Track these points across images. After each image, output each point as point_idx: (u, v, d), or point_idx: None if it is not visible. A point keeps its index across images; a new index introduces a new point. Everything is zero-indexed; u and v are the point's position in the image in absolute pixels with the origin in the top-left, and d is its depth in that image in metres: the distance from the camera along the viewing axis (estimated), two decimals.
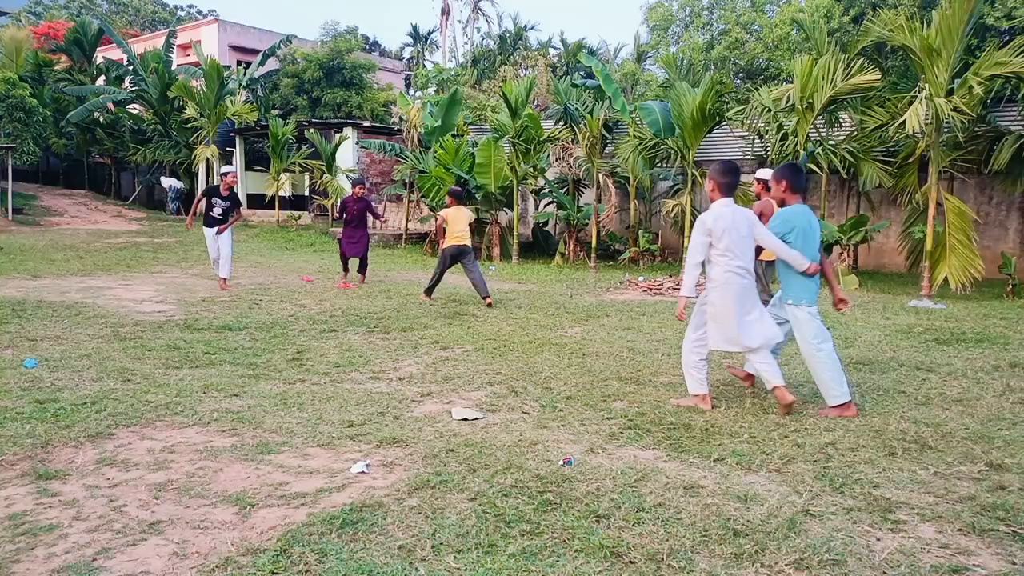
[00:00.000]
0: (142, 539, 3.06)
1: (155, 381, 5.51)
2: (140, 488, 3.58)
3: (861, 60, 12.19)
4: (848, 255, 13.49)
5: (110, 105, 25.96)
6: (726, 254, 5.00)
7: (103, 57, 28.71)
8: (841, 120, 14.08)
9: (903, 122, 10.81)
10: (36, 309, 8.30)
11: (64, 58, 28.78)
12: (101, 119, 26.54)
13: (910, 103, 11.02)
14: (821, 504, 3.50)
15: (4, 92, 22.29)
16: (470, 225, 10.08)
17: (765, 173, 7.71)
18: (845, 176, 14.25)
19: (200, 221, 11.17)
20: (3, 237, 16.56)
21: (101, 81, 27.53)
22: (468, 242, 9.92)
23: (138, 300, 9.41)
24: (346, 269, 11.59)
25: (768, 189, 7.87)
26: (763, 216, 7.18)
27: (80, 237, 17.76)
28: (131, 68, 25.26)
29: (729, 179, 5.13)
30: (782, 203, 5.47)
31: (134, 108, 26.91)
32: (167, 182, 25.30)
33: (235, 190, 10.92)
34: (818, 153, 12.84)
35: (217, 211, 10.58)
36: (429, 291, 10.17)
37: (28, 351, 6.32)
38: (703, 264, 5.14)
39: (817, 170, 13.15)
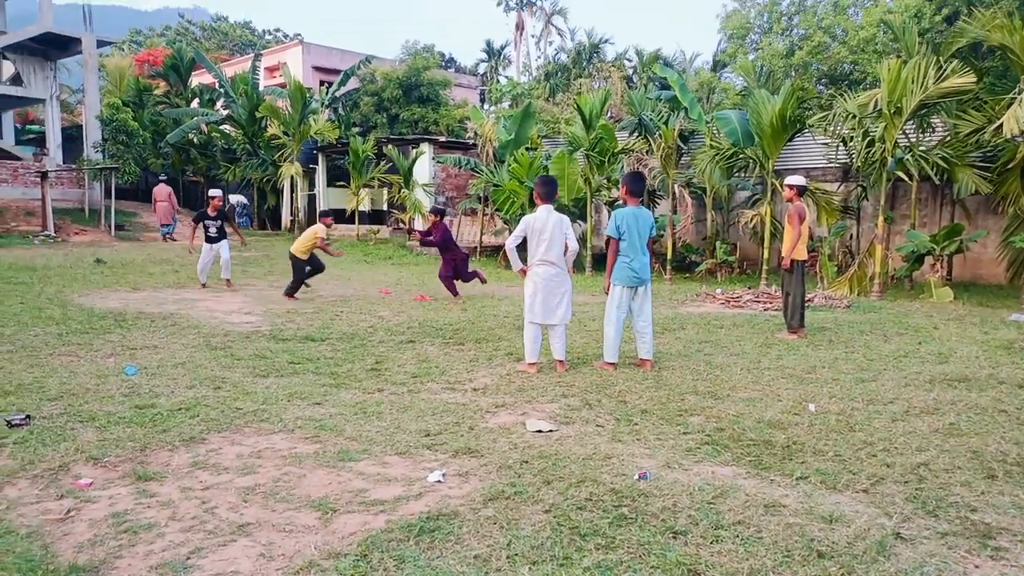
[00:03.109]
0: (231, 540, 3.21)
1: (244, 389, 5.77)
2: (230, 491, 3.75)
3: (955, 62, 11.62)
4: (941, 266, 12.82)
5: (203, 126, 27.39)
6: (538, 248, 6.52)
7: (197, 81, 30.36)
8: (933, 125, 13.44)
9: (1000, 126, 10.24)
10: (136, 320, 8.81)
11: (162, 83, 30.58)
12: (195, 139, 28.02)
13: (1009, 105, 10.43)
14: (913, 527, 3.34)
15: (109, 116, 23.87)
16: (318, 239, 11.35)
17: (795, 180, 8.03)
18: (938, 183, 13.58)
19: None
20: (106, 251, 17.67)
21: (195, 104, 29.09)
22: (294, 252, 11.33)
23: (228, 311, 9.87)
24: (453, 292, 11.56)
25: (800, 194, 8.20)
26: (791, 217, 8.41)
27: (175, 251, 18.76)
28: (222, 91, 26.60)
29: (547, 189, 6.66)
30: (624, 203, 6.92)
31: (225, 128, 28.29)
32: (234, 199, 26.71)
33: (223, 209, 12.36)
34: (908, 160, 12.29)
35: (213, 231, 11.98)
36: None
37: (129, 359, 6.72)
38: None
39: (906, 178, 12.58)
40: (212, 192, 12.46)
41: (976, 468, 4.09)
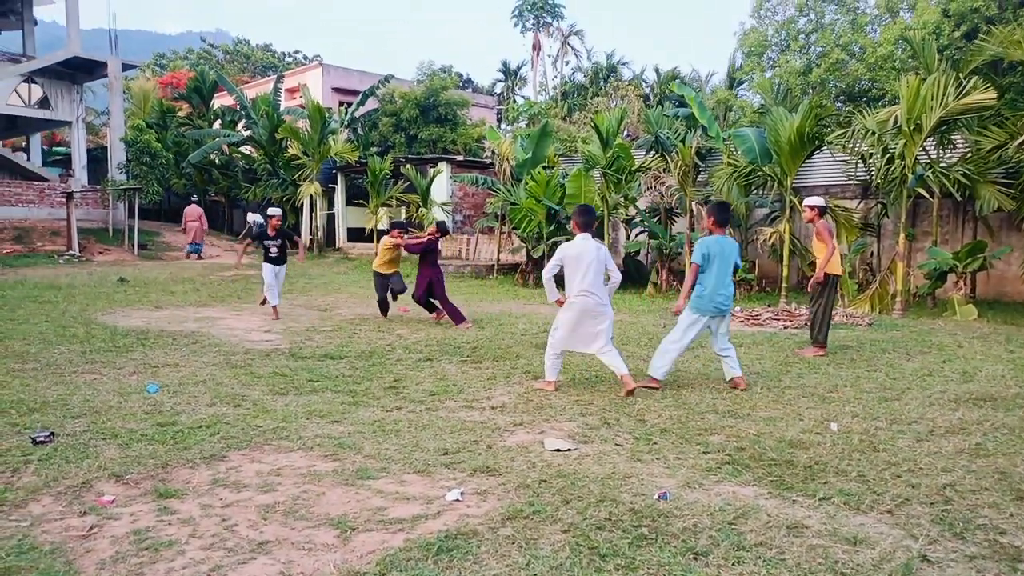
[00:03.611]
0: (251, 558, 3.21)
1: (263, 407, 5.80)
2: (250, 509, 3.77)
3: (975, 78, 11.54)
4: (965, 283, 12.66)
5: (224, 147, 27.81)
6: (576, 277, 6.36)
7: (219, 103, 30.88)
8: (954, 141, 13.33)
9: (1023, 142, 10.14)
10: (158, 338, 8.92)
11: (185, 105, 31.14)
12: (216, 160, 28.45)
13: None
14: (940, 550, 3.27)
15: (133, 138, 24.33)
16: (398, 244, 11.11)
17: (814, 200, 8.02)
18: (960, 200, 13.44)
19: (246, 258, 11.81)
20: (129, 271, 17.93)
21: (217, 125, 29.57)
22: (377, 269, 11.29)
23: (248, 330, 9.95)
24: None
25: (821, 215, 8.13)
26: (819, 233, 8.37)
27: (196, 270, 19.01)
28: (243, 112, 27.04)
29: (586, 219, 6.52)
30: (710, 232, 6.77)
31: (246, 149, 28.70)
32: (251, 217, 27.10)
33: (282, 228, 11.52)
34: (928, 176, 12.19)
35: (274, 251, 11.21)
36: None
37: (151, 377, 6.79)
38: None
39: (927, 195, 12.47)
40: (271, 211, 11.63)
41: (1004, 489, 4.02)
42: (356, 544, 3.35)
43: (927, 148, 12.87)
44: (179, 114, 29.97)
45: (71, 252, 20.79)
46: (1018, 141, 10.53)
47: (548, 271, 6.51)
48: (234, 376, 6.93)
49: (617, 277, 6.60)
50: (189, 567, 3.12)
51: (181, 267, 19.79)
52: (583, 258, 6.34)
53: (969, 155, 12.80)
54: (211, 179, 28.53)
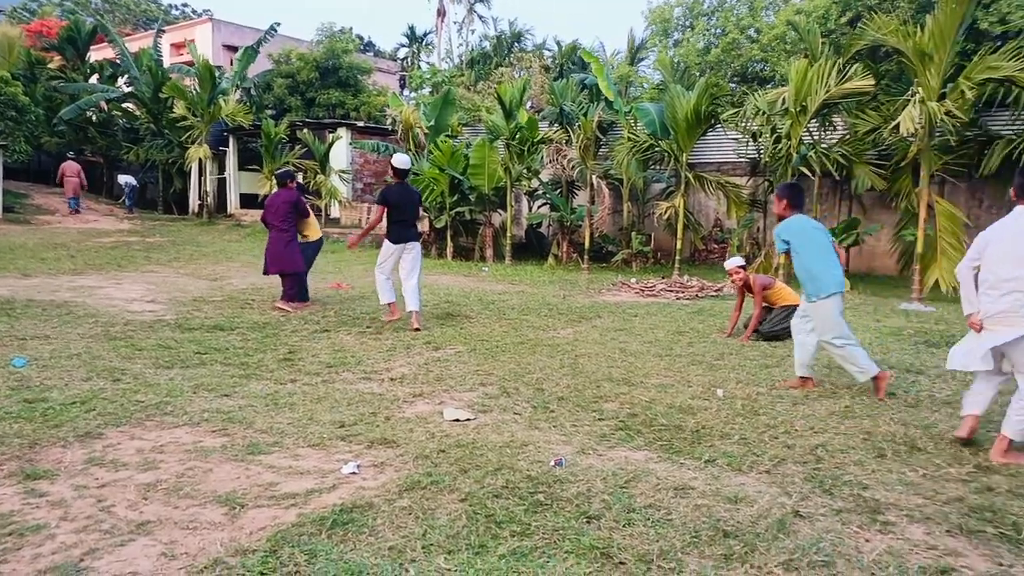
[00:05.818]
0: (130, 539, 3.04)
1: (145, 381, 5.49)
2: (129, 488, 3.56)
3: (856, 64, 12.22)
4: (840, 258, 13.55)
5: (103, 103, 25.83)
6: (1000, 272, 4.16)
7: (97, 56, 28.57)
8: (834, 123, 14.14)
9: (897, 125, 10.87)
10: (26, 308, 8.25)
11: (57, 56, 28.57)
12: (94, 117, 26.42)
13: (903, 106, 11.08)
14: (811, 505, 3.51)
15: None
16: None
17: (734, 262, 7.79)
18: (838, 179, 14.32)
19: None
20: None
21: (94, 79, 27.38)
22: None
23: (129, 299, 9.37)
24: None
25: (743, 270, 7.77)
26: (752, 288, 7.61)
27: (71, 236, 17.67)
28: (125, 66, 25.18)
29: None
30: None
31: (128, 106, 26.79)
32: (123, 179, 25.57)
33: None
34: (811, 156, 12.89)
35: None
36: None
37: (17, 350, 6.27)
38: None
39: (809, 174, 13.20)
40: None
41: (868, 448, 4.35)
42: (245, 521, 3.24)
43: (811, 129, 13.60)
44: (50, 66, 27.47)
45: None
46: (893, 124, 11.26)
47: (969, 270, 4.29)
48: (113, 349, 6.50)
49: None
50: (59, 551, 2.92)
51: (53, 232, 18.35)
52: (1020, 241, 4.12)
53: (847, 137, 13.63)
54: (88, 138, 26.47)
